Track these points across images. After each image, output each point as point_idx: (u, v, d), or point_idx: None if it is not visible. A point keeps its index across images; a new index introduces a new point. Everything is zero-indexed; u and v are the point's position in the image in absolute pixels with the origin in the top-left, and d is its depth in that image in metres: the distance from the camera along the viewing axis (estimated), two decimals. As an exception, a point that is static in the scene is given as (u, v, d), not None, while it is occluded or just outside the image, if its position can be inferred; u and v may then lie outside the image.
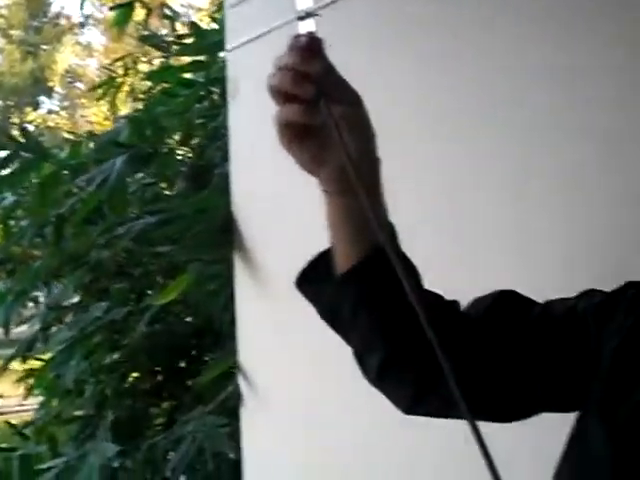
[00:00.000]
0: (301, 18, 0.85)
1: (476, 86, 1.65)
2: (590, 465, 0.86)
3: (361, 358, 1.00)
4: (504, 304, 1.01)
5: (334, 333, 1.01)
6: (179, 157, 3.16)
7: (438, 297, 1.02)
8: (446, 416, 1.00)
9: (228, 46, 2.37)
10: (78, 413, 3.16)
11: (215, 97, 3.17)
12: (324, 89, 0.84)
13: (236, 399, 2.37)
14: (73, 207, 2.88)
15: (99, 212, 2.84)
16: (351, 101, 0.90)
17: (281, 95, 0.86)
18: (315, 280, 1.00)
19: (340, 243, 0.96)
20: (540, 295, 1.02)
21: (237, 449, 2.37)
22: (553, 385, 0.96)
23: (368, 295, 0.95)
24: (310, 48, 0.84)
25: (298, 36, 0.85)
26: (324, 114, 0.84)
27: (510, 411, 1.00)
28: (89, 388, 3.07)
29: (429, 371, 0.94)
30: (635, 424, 0.84)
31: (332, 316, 1.00)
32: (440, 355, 0.75)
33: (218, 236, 2.35)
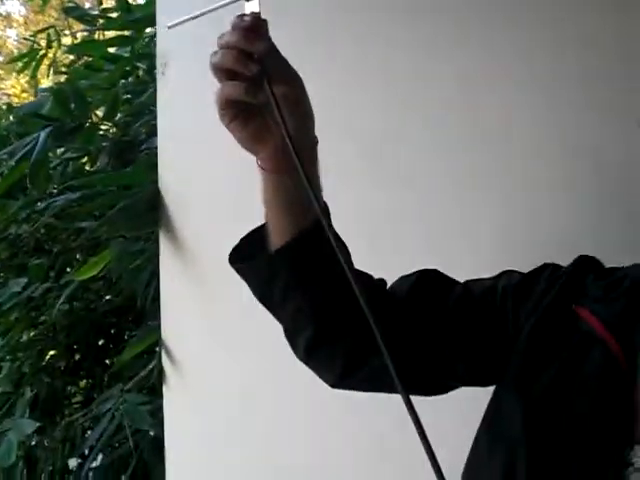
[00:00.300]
0: None
1: (385, 80, 1.68)
2: (506, 438, 0.90)
3: (291, 335, 1.02)
4: (427, 283, 1.04)
5: (260, 310, 1.02)
6: (102, 132, 3.11)
7: (369, 276, 1.04)
8: (371, 390, 1.04)
9: (160, 22, 2.34)
10: (-5, 390, 3.11)
11: (141, 73, 3.13)
12: (267, 69, 0.85)
13: (158, 376, 2.36)
14: (-7, 181, 2.81)
15: (20, 186, 2.78)
16: (292, 83, 0.92)
17: (223, 73, 0.87)
18: (248, 257, 1.00)
19: (274, 220, 0.97)
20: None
21: (158, 426, 2.36)
22: (473, 363, 0.99)
23: (301, 271, 0.97)
24: (254, 29, 0.86)
25: (242, 16, 0.86)
26: (266, 93, 0.85)
27: (432, 386, 1.03)
28: (6, 365, 3.02)
29: (357, 347, 0.97)
30: (547, 401, 0.88)
31: (264, 293, 1.01)
32: (376, 332, 0.76)
33: (143, 213, 2.33)
